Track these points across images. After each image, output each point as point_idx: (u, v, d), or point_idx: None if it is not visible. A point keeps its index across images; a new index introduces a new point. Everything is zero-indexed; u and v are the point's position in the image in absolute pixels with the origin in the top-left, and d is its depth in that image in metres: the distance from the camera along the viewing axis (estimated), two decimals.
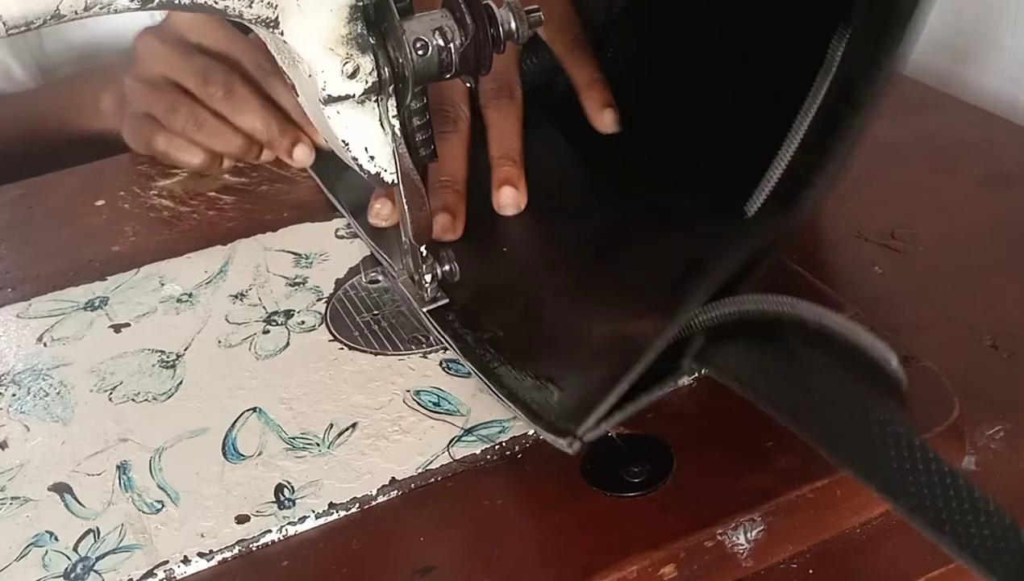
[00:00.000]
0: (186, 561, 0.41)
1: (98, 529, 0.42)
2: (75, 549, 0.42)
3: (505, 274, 0.55)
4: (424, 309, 0.52)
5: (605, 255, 0.55)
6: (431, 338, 0.52)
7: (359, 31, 0.43)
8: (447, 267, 0.52)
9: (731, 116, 0.59)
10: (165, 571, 0.40)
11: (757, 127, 0.51)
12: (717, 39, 0.63)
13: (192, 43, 0.65)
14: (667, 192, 0.57)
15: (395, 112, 0.45)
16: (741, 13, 0.61)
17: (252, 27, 0.42)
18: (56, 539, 0.42)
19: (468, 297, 0.52)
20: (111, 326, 0.55)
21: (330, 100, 0.43)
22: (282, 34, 0.42)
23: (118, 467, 0.45)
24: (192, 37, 0.65)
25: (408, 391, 0.48)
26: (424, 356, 0.51)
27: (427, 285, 0.52)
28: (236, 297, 0.56)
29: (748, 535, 0.41)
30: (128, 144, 0.71)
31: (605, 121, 0.61)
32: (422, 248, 0.51)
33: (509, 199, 0.58)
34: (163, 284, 0.58)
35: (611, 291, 0.51)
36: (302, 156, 0.62)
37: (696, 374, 0.46)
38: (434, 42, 0.43)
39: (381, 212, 0.58)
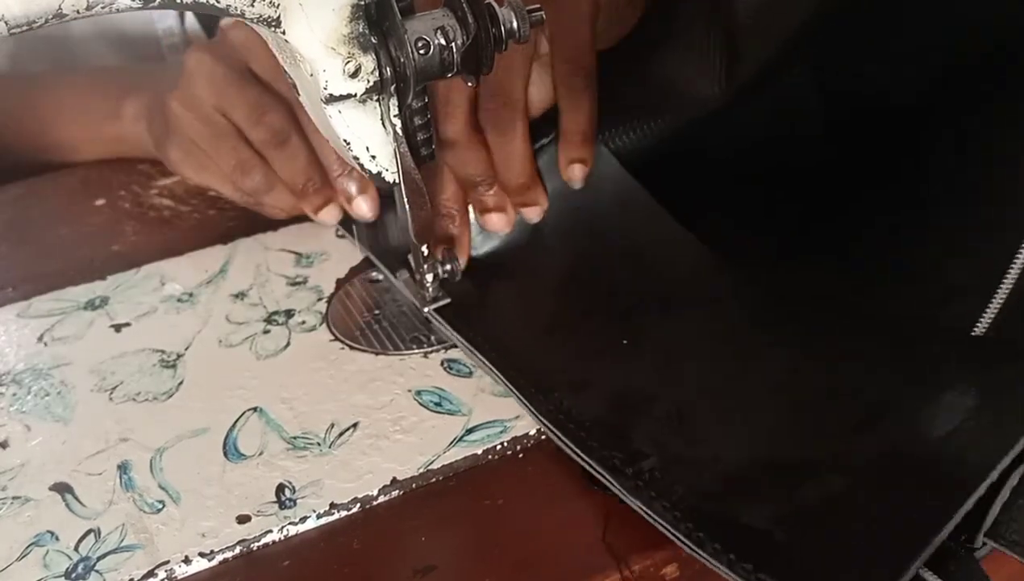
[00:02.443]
0: (187, 561, 0.41)
1: (99, 529, 0.42)
2: (76, 549, 0.41)
3: (637, 377, 0.47)
4: (426, 309, 0.52)
5: (797, 363, 0.46)
6: (430, 339, 0.52)
7: (361, 30, 0.42)
8: (448, 266, 0.52)
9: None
10: (166, 571, 0.40)
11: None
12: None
13: (248, 69, 0.60)
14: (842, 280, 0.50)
15: (396, 111, 0.45)
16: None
17: (254, 26, 0.42)
18: (57, 539, 0.42)
19: (603, 403, 0.45)
20: (111, 326, 0.55)
21: (332, 99, 0.43)
22: (284, 33, 0.42)
23: (119, 467, 0.45)
24: (250, 61, 0.59)
25: (409, 391, 0.48)
26: (425, 356, 0.50)
27: (428, 284, 0.52)
28: (237, 296, 0.56)
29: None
30: (172, 167, 0.65)
31: (573, 175, 0.56)
32: (423, 247, 0.51)
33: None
34: (163, 283, 0.58)
35: (820, 411, 0.43)
36: (327, 217, 0.58)
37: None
38: (436, 41, 0.43)
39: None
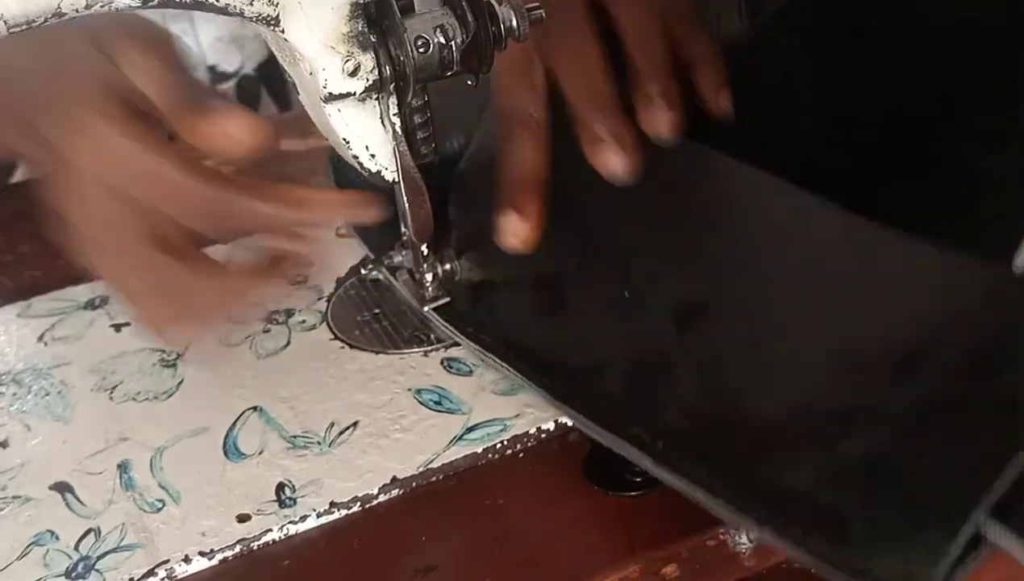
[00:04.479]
0: (187, 560, 0.41)
1: (99, 528, 0.42)
2: (76, 548, 0.41)
3: (649, 339, 0.45)
4: (425, 308, 0.52)
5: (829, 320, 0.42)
6: (430, 338, 0.52)
7: (360, 29, 0.42)
8: (448, 266, 0.52)
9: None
10: (166, 570, 0.40)
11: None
12: None
13: None
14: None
15: (396, 110, 0.45)
16: None
17: (254, 25, 0.42)
18: (57, 538, 0.42)
19: (623, 378, 0.43)
20: (112, 325, 0.55)
21: (331, 98, 0.43)
22: (283, 32, 0.42)
23: (119, 466, 0.45)
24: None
25: (409, 389, 0.48)
26: (425, 354, 0.50)
27: (428, 283, 0.52)
28: None
29: (750, 534, 0.40)
30: None
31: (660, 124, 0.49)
32: (423, 246, 0.50)
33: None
34: None
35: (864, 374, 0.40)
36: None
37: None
38: (435, 40, 0.43)
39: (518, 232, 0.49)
